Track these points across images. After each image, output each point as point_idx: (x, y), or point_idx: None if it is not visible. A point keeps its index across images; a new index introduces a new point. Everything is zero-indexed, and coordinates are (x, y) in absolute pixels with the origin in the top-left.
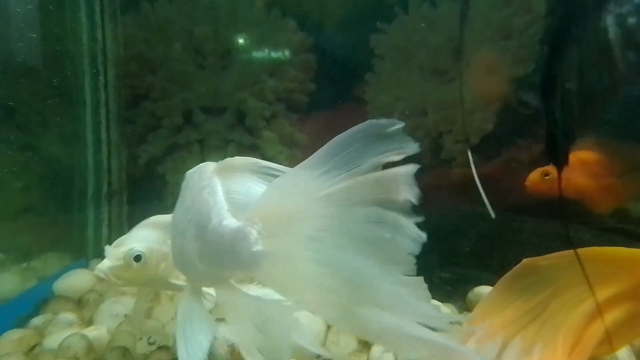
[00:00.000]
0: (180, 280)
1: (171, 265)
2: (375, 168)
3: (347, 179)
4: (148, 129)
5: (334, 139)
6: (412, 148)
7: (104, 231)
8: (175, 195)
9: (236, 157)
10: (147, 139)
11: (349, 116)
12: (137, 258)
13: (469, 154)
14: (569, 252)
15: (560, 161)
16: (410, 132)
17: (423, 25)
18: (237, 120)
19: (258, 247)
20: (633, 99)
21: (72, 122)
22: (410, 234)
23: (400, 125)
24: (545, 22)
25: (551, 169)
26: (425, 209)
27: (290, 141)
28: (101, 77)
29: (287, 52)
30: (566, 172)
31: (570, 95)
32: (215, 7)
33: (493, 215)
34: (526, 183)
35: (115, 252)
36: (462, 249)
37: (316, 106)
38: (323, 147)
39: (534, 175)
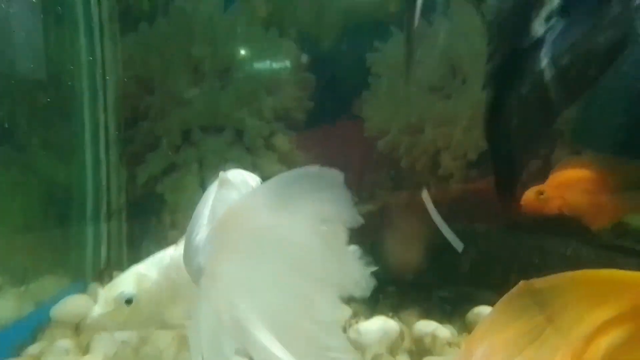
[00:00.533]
0: (176, 318)
1: (164, 302)
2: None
3: (291, 217)
4: (147, 149)
5: (279, 176)
6: (348, 205)
7: (103, 252)
8: (173, 215)
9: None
10: (146, 159)
11: (347, 133)
12: (129, 301)
13: (425, 195)
14: (567, 274)
15: (507, 192)
16: (408, 149)
17: (420, 47)
18: (236, 138)
19: (204, 264)
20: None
21: (71, 142)
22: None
23: (339, 178)
24: (486, 67)
25: (546, 187)
26: (424, 226)
27: (289, 159)
28: (100, 98)
29: (284, 71)
30: (562, 190)
31: (512, 131)
32: (213, 27)
33: (460, 248)
34: (521, 202)
35: (106, 297)
36: (461, 267)
37: (314, 124)
38: (271, 181)
39: (529, 194)
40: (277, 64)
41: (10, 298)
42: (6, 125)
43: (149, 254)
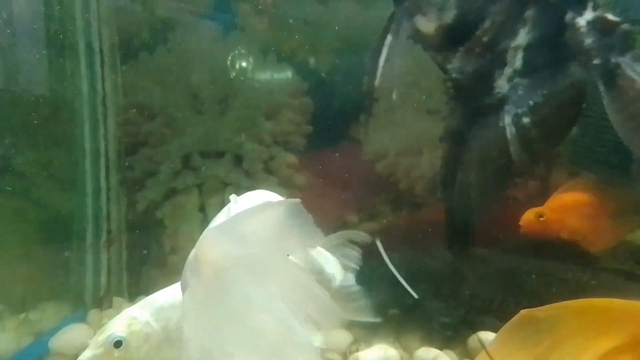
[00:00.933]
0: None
1: (156, 345)
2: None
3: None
4: (147, 175)
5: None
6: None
7: (103, 279)
8: (173, 240)
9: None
10: (146, 185)
11: (345, 156)
12: (117, 344)
13: (379, 244)
14: (567, 303)
15: (460, 249)
16: (406, 171)
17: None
18: (236, 163)
19: (187, 282)
20: None
21: (71, 170)
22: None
23: (297, 203)
24: (445, 123)
25: (545, 210)
26: (424, 250)
27: (288, 182)
28: (101, 127)
29: (283, 96)
30: (561, 214)
31: (469, 188)
32: (212, 55)
33: (416, 296)
34: (520, 223)
35: (96, 340)
36: (462, 292)
37: (313, 148)
38: (237, 214)
39: (528, 216)
40: (275, 90)
41: (9, 327)
42: (8, 155)
43: (149, 279)
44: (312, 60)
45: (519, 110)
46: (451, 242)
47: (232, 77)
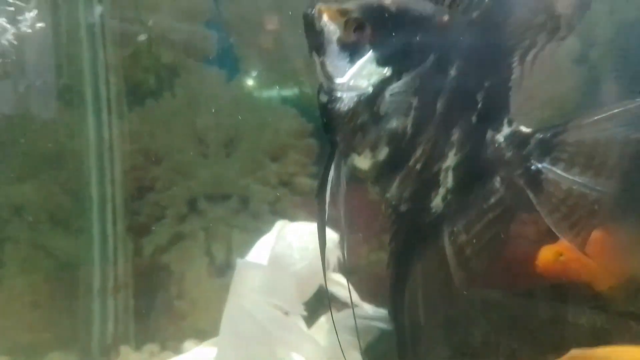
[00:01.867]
0: None
1: None
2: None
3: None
4: (153, 220)
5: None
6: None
7: (110, 327)
8: (180, 285)
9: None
10: (152, 230)
11: (351, 197)
12: None
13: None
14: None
15: None
16: None
17: None
18: (242, 206)
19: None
20: None
21: (78, 218)
22: None
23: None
24: (389, 247)
25: (564, 248)
26: (434, 296)
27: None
28: (108, 173)
29: (288, 137)
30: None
31: (416, 306)
32: (217, 98)
33: None
34: (537, 263)
35: None
36: (474, 340)
37: (320, 188)
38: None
39: (546, 255)
40: (280, 132)
41: None
42: (18, 206)
43: (156, 326)
44: (317, 101)
45: (455, 228)
46: (399, 354)
47: (236, 120)
